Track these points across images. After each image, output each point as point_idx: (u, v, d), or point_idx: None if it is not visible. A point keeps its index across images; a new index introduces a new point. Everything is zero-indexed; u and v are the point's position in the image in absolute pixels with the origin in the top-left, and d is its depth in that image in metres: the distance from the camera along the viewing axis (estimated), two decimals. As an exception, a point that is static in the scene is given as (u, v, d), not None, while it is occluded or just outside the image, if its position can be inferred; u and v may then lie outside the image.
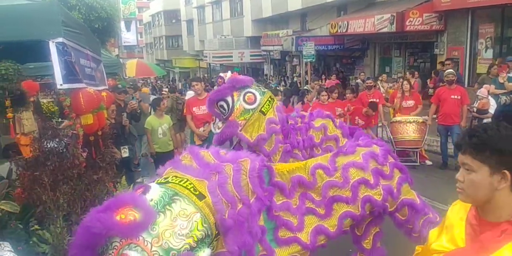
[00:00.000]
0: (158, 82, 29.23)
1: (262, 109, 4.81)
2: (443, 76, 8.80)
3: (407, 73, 11.05)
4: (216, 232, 2.55)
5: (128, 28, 43.05)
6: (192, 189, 2.56)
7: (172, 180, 2.59)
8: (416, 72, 12.60)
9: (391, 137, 8.38)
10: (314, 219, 3.15)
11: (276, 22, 25.36)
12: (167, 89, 13.93)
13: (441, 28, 13.66)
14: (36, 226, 3.94)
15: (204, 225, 2.48)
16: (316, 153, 4.80)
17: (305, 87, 9.94)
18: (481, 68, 12.32)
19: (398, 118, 8.42)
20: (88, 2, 14.91)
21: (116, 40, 43.24)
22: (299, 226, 3.06)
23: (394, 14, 13.62)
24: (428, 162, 8.61)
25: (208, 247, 2.51)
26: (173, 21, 42.28)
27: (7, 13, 3.44)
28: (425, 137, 8.31)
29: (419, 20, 13.49)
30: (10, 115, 3.67)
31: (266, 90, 5.11)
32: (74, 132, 3.75)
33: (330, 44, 18.23)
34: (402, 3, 14.71)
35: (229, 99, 4.76)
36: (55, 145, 3.34)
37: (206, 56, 29.39)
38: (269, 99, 4.89)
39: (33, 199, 3.29)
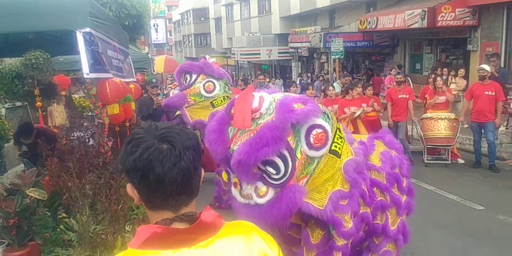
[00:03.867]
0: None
1: (214, 102, 5.32)
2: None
3: (438, 69, 10.69)
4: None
5: (155, 29, 43.74)
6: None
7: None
8: (445, 69, 12.27)
9: (421, 134, 8.16)
10: None
11: (304, 19, 25.18)
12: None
13: (475, 23, 13.22)
14: (64, 214, 4.00)
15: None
16: None
17: (334, 83, 9.81)
18: (517, 65, 11.89)
19: (429, 114, 8.18)
20: (119, -1, 15.16)
21: (146, 38, 43.78)
22: None
23: (426, 9, 13.27)
24: (460, 161, 8.35)
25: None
26: (202, 19, 42.58)
27: (36, 3, 3.49)
28: (457, 134, 8.05)
29: (451, 15, 13.09)
30: (39, 104, 3.72)
31: (229, 91, 5.51)
32: (100, 121, 3.78)
33: (359, 41, 17.95)
34: (433, -2, 14.34)
35: (194, 75, 5.25)
36: (82, 134, 3.36)
37: (234, 54, 29.46)
38: (225, 97, 5.33)
39: (59, 186, 3.33)
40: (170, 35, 53.15)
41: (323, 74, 20.87)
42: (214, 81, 5.33)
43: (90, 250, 3.43)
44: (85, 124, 3.44)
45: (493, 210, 5.81)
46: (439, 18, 13.11)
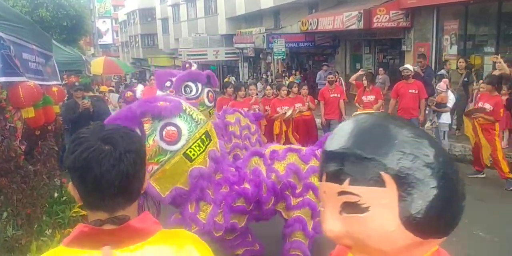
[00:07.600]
0: (133, 80, 29.03)
1: (210, 111, 4.72)
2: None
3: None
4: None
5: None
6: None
7: None
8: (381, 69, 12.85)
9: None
10: None
11: (250, 20, 25.42)
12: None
13: (408, 25, 13.89)
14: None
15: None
16: (236, 142, 5.27)
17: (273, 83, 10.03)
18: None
19: (359, 112, 8.52)
20: (56, -1, 14.79)
21: (92, 39, 42.58)
22: None
23: (362, 12, 13.80)
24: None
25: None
26: (149, 19, 41.94)
27: None
28: (386, 131, 8.41)
29: (386, 17, 13.69)
30: None
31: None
32: (11, 125, 3.74)
33: (301, 42, 18.33)
34: (370, 1, 14.91)
35: (199, 85, 4.88)
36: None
37: (181, 54, 29.26)
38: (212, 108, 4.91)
39: (-31, 192, 3.29)
40: (117, 36, 52.00)
41: (267, 75, 21.13)
42: (213, 91, 5.17)
43: (4, 255, 3.40)
44: (-4, 128, 3.40)
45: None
46: (374, 20, 13.67)
